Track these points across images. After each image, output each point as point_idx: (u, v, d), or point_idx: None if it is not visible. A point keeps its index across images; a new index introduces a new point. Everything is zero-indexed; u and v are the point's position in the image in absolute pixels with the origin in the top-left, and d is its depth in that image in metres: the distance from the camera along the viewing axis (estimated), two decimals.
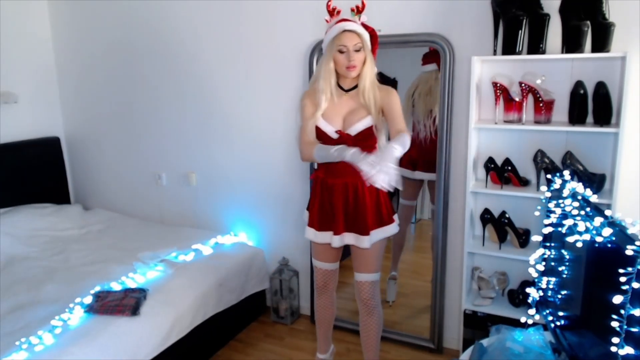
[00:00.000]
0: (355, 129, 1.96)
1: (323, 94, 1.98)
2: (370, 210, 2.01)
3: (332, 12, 2.00)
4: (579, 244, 1.47)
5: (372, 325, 2.19)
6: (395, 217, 2.11)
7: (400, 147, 1.80)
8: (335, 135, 1.98)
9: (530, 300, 1.92)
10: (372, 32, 1.99)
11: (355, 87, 2.00)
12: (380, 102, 1.97)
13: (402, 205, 2.96)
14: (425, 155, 2.71)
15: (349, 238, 2.06)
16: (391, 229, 2.07)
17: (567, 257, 1.72)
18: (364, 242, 2.01)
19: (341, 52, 1.91)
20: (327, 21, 2.04)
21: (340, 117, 2.00)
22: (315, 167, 2.19)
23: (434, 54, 2.55)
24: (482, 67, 2.38)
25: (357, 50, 1.90)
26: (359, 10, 2.00)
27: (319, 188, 2.08)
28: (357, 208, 2.02)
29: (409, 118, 2.74)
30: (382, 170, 1.73)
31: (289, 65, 2.89)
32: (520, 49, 2.20)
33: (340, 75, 2.00)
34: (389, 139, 2.02)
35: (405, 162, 2.79)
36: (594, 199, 1.58)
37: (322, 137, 2.02)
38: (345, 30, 1.90)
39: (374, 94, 1.95)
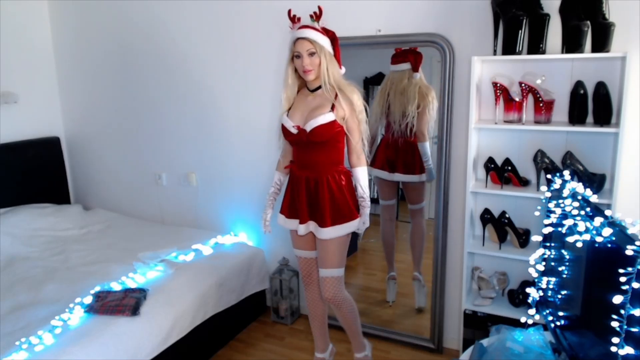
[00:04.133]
0: (310, 125, 2.07)
1: (284, 95, 2.18)
2: (328, 204, 2.12)
3: (292, 19, 2.13)
4: (579, 244, 1.47)
5: (343, 315, 2.30)
6: (361, 213, 2.17)
7: (367, 195, 2.14)
8: (294, 130, 2.12)
9: (530, 300, 1.92)
10: (332, 36, 2.10)
11: (320, 87, 2.11)
12: (346, 106, 2.07)
13: (382, 206, 2.96)
14: (402, 156, 2.72)
15: (312, 226, 2.18)
16: (350, 226, 2.15)
17: (567, 257, 1.72)
18: (322, 233, 2.14)
19: (297, 57, 2.06)
20: (290, 28, 2.14)
21: (302, 114, 2.13)
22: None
23: (405, 53, 2.56)
24: (482, 67, 2.38)
25: (311, 54, 2.03)
26: (317, 17, 2.11)
27: (290, 178, 2.26)
28: (317, 200, 2.14)
29: (383, 118, 2.76)
30: (364, 225, 2.16)
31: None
32: (520, 49, 2.20)
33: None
34: None
35: (381, 163, 2.82)
36: (594, 199, 1.58)
37: (284, 131, 2.17)
38: (298, 38, 2.04)
39: (342, 91, 2.06)
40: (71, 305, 2.29)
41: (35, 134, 3.64)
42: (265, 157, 3.10)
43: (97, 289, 2.43)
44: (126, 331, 2.16)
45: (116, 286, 2.46)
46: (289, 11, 2.14)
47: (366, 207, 2.15)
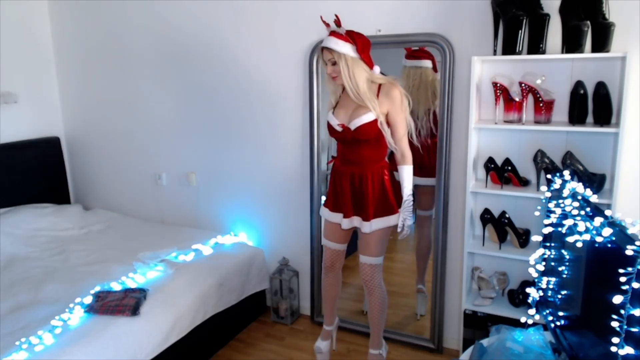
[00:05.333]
0: (354, 123, 2.16)
1: (330, 93, 2.30)
2: (371, 199, 2.20)
3: (325, 23, 2.20)
4: (579, 244, 1.47)
5: (373, 303, 2.38)
6: (402, 206, 2.21)
7: (411, 194, 2.19)
8: (339, 128, 2.21)
9: (530, 300, 1.92)
10: (357, 39, 2.13)
11: None
12: (384, 102, 2.14)
13: (418, 217, 2.84)
14: (421, 158, 2.59)
15: (356, 221, 2.27)
16: (392, 219, 2.23)
17: (567, 257, 1.72)
18: (365, 227, 2.23)
19: (326, 64, 2.18)
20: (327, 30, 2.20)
21: (347, 113, 2.21)
22: (335, 154, 2.39)
23: (423, 50, 2.55)
24: (482, 67, 2.38)
25: (333, 64, 2.14)
26: (337, 23, 2.17)
27: (334, 173, 2.33)
28: (361, 195, 2.22)
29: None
30: (407, 222, 2.20)
31: (289, 66, 2.89)
32: (520, 49, 2.20)
33: None
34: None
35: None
36: (594, 199, 1.58)
37: (330, 129, 2.26)
38: (323, 48, 2.16)
39: (364, 96, 2.12)
40: (71, 305, 2.29)
41: (35, 134, 3.64)
42: (265, 157, 3.11)
43: (97, 289, 2.43)
44: (126, 331, 2.16)
45: (116, 286, 2.46)
46: (321, 17, 2.20)
47: (409, 207, 2.20)
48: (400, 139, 2.18)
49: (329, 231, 2.40)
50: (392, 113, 2.15)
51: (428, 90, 2.62)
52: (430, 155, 2.64)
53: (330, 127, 2.26)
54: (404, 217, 2.19)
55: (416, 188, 2.74)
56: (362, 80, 2.12)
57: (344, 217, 2.28)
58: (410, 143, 2.23)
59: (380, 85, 2.15)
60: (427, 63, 2.62)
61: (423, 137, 2.63)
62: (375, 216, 2.21)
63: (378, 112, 2.13)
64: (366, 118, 2.13)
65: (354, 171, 2.23)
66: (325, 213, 2.38)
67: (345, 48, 2.11)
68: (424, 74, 2.63)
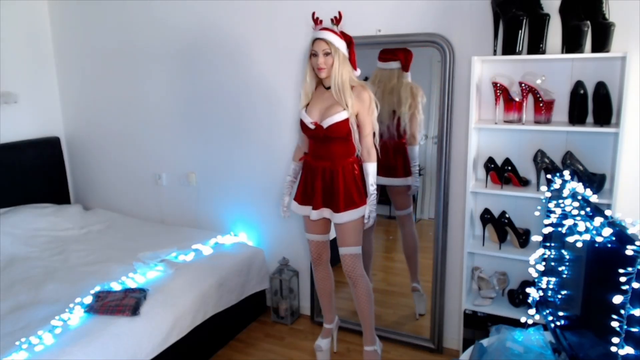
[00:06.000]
0: (327, 122, 2.24)
1: (303, 91, 2.35)
2: (342, 192, 2.30)
3: (315, 21, 2.28)
4: (579, 244, 1.47)
5: (359, 295, 2.43)
6: (368, 199, 2.32)
7: (375, 187, 2.30)
8: (312, 126, 2.29)
9: (530, 300, 1.92)
10: (349, 40, 2.26)
11: None
12: (355, 104, 2.24)
13: (397, 217, 2.89)
14: (386, 159, 2.61)
15: (326, 212, 2.36)
16: (361, 211, 2.32)
17: (567, 257, 1.72)
18: (336, 218, 2.33)
19: (314, 55, 2.22)
20: (312, 29, 2.28)
21: (319, 110, 2.30)
22: (306, 151, 2.45)
23: (394, 50, 2.56)
24: (482, 67, 2.38)
25: (327, 54, 2.19)
26: (336, 21, 2.26)
27: (305, 168, 2.42)
28: (332, 188, 2.32)
29: None
30: (372, 214, 2.33)
31: (288, 65, 2.89)
32: (520, 49, 2.20)
33: None
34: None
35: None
36: (594, 199, 1.58)
37: (303, 126, 2.34)
38: (316, 38, 2.21)
39: (343, 93, 2.21)
40: (71, 305, 2.29)
41: (35, 134, 3.64)
42: (265, 157, 3.11)
43: (97, 289, 2.43)
44: (126, 331, 2.16)
45: (116, 286, 2.46)
46: (313, 13, 2.27)
47: (373, 200, 2.31)
48: (365, 137, 2.28)
49: (307, 224, 2.48)
50: (361, 114, 2.25)
51: (393, 94, 2.65)
52: (396, 156, 2.72)
53: (303, 125, 2.33)
54: (370, 210, 2.31)
55: (388, 189, 2.81)
56: (347, 78, 2.22)
57: (313, 208, 2.36)
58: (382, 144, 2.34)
59: (352, 87, 2.24)
60: (394, 64, 2.64)
61: (386, 138, 2.66)
62: (346, 208, 2.30)
63: (352, 112, 2.22)
64: (338, 117, 2.22)
65: (325, 166, 2.32)
66: (293, 206, 2.46)
67: (340, 44, 2.21)
68: (390, 76, 2.65)
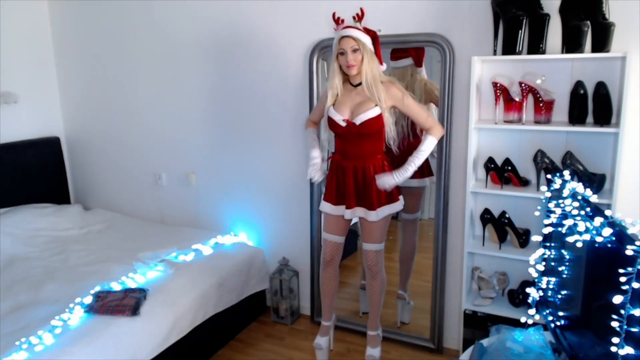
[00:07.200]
0: (359, 118, 2.24)
1: (330, 90, 2.33)
2: (375, 190, 2.30)
3: (337, 21, 2.27)
4: (579, 244, 1.47)
5: (375, 287, 2.49)
6: (401, 197, 2.38)
7: (422, 157, 2.26)
8: (343, 124, 2.28)
9: (530, 300, 1.92)
10: (373, 35, 2.24)
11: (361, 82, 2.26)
12: (387, 99, 2.24)
13: (403, 220, 2.85)
14: (403, 160, 2.51)
15: (359, 211, 2.36)
16: (396, 206, 2.37)
17: (567, 257, 1.72)
18: (371, 216, 2.32)
19: (342, 54, 2.21)
20: (334, 29, 2.27)
21: (349, 108, 2.29)
22: (333, 150, 2.47)
23: (406, 47, 2.55)
24: (482, 67, 2.38)
25: (355, 51, 2.19)
26: (359, 18, 2.25)
27: (335, 169, 2.40)
28: (365, 187, 2.32)
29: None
30: (393, 181, 2.28)
31: (289, 65, 2.89)
32: (520, 49, 2.20)
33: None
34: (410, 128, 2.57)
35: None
36: (594, 199, 1.58)
37: (332, 124, 2.32)
38: (343, 36, 2.20)
39: (376, 88, 2.21)
40: (71, 305, 2.29)
41: (35, 134, 3.64)
42: (265, 157, 3.11)
43: (97, 289, 2.43)
44: (126, 331, 2.16)
45: (116, 286, 2.46)
46: (334, 14, 2.26)
47: (415, 164, 2.25)
48: (426, 119, 2.26)
49: (331, 224, 2.46)
50: (401, 107, 2.26)
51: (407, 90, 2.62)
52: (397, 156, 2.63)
53: (332, 123, 2.31)
54: (397, 175, 2.25)
55: (402, 190, 2.73)
56: (377, 72, 2.22)
57: (347, 208, 2.36)
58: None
59: (381, 82, 2.23)
60: (406, 61, 2.63)
61: (401, 138, 2.59)
62: (380, 205, 2.31)
63: (384, 107, 2.21)
64: (372, 113, 2.22)
65: (356, 165, 2.31)
66: (327, 207, 2.43)
67: (366, 39, 2.20)
68: (403, 74, 2.63)
